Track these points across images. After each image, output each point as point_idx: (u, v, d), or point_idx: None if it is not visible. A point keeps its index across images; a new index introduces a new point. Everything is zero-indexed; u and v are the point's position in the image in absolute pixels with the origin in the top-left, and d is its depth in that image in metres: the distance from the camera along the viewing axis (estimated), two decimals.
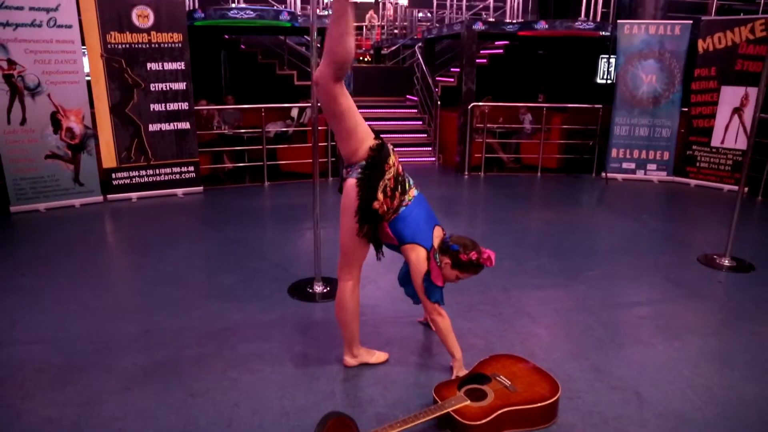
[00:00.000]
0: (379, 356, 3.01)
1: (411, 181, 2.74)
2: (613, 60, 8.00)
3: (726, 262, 4.55)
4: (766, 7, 8.94)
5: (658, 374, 2.93)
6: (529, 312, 3.67)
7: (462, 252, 2.62)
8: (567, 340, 3.33)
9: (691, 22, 7.52)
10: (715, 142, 7.42)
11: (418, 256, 2.67)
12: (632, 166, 8.03)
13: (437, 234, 2.74)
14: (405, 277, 3.06)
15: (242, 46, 10.16)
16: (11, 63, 5.71)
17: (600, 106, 8.09)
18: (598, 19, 8.37)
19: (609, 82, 8.12)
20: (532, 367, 2.75)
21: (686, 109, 7.70)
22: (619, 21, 7.86)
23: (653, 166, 7.95)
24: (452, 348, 2.79)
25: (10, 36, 5.66)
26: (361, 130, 2.56)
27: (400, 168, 2.68)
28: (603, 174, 8.00)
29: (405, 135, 9.79)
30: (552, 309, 3.76)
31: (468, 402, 2.44)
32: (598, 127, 8.14)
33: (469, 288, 3.37)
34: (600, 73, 9.53)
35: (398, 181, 2.62)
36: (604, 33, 8.22)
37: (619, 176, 8.02)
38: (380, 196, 2.56)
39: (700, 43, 7.41)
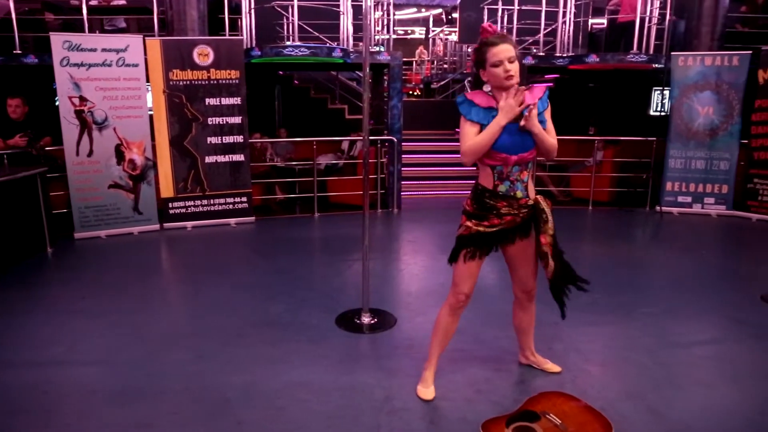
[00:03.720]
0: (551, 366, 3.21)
1: None
2: (666, 92, 7.84)
3: None
4: None
5: (720, 418, 2.78)
6: (581, 349, 3.56)
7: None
8: (621, 379, 3.20)
9: (750, 52, 7.31)
10: None
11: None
12: (689, 199, 7.76)
13: None
14: None
15: (295, 82, 10.51)
16: (83, 100, 6.08)
17: (654, 138, 7.90)
18: (651, 51, 8.25)
19: (662, 114, 7.94)
20: (584, 406, 2.66)
21: (746, 141, 7.43)
22: (672, 53, 7.72)
23: (711, 200, 7.66)
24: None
25: (83, 75, 6.05)
26: None
27: None
28: (658, 208, 7.77)
29: (454, 168, 9.80)
30: (605, 346, 3.63)
31: None
32: (652, 159, 7.94)
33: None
34: (653, 106, 9.34)
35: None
36: (657, 65, 8.08)
37: (675, 210, 7.76)
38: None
39: (760, 73, 7.18)
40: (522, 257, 2.88)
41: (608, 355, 3.51)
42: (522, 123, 2.55)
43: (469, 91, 2.69)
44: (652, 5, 8.29)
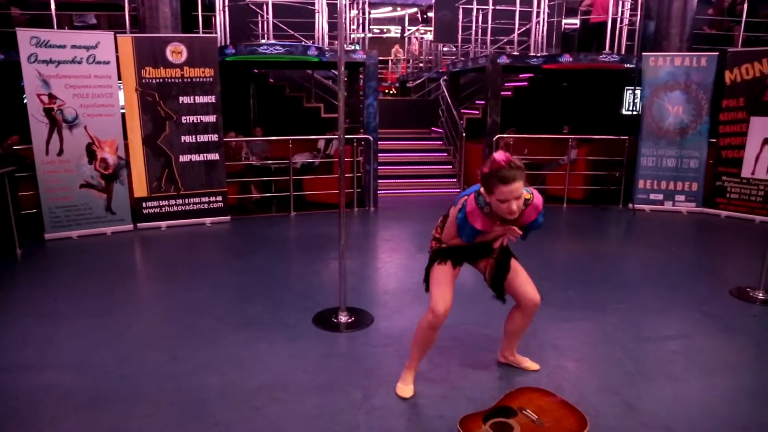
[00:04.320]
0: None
1: None
2: (638, 92, 7.99)
3: (760, 295, 4.43)
4: None
5: (691, 411, 2.84)
6: (557, 344, 3.61)
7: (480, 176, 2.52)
8: (596, 374, 3.26)
9: (717, 54, 7.50)
10: (746, 172, 7.29)
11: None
12: (660, 197, 7.92)
13: None
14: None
15: (271, 80, 10.42)
16: (52, 97, 5.95)
17: (626, 137, 8.04)
18: (623, 51, 8.39)
19: (634, 113, 8.09)
20: (560, 401, 2.69)
21: (714, 140, 7.61)
22: (643, 53, 7.87)
23: (681, 197, 7.83)
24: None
25: (53, 72, 5.92)
26: None
27: None
28: (630, 205, 7.91)
29: (430, 166, 9.85)
30: (580, 342, 3.69)
31: None
32: (625, 158, 8.08)
33: (496, 319, 3.34)
34: (625, 105, 9.51)
35: None
36: (628, 65, 8.22)
37: (647, 207, 7.91)
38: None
39: (727, 74, 7.36)
40: (514, 274, 2.94)
41: (583, 351, 3.56)
42: (494, 246, 2.73)
43: (473, 196, 2.62)
44: (623, 6, 8.44)
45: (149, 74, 6.42)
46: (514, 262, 2.95)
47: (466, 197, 2.65)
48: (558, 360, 3.40)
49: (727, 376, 3.21)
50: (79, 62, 6.05)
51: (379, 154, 8.15)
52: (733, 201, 7.46)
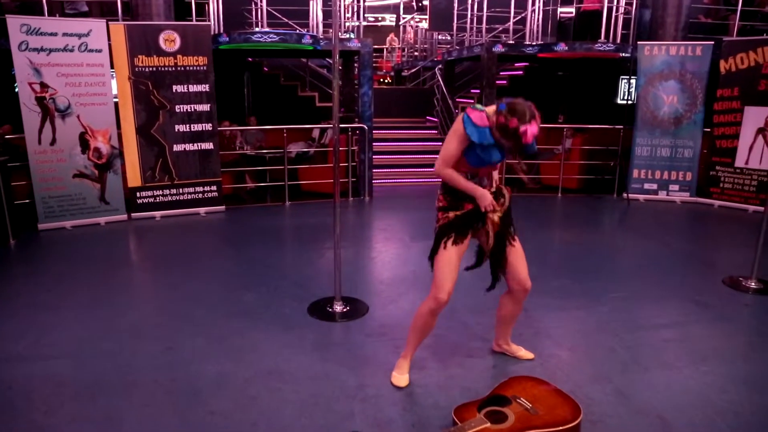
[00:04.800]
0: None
1: None
2: (633, 81, 7.97)
3: (752, 285, 4.46)
4: None
5: (683, 399, 2.87)
6: (551, 333, 3.63)
7: (506, 113, 2.53)
8: (589, 362, 3.28)
9: (712, 43, 7.49)
10: (739, 162, 7.32)
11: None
12: (654, 186, 7.94)
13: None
14: None
15: (265, 69, 10.35)
16: (44, 86, 5.89)
17: (621, 126, 8.04)
18: (618, 40, 8.37)
19: (629, 102, 8.09)
20: (554, 389, 2.71)
21: (709, 130, 7.62)
22: (639, 42, 7.85)
23: (676, 187, 7.86)
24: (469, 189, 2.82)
25: (44, 60, 5.86)
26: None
27: None
28: (625, 195, 7.93)
29: (425, 156, 9.81)
30: (574, 330, 3.71)
31: (488, 424, 2.41)
32: (620, 147, 8.09)
33: (490, 307, 3.35)
34: (620, 94, 9.50)
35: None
36: (624, 54, 8.21)
37: (641, 197, 7.94)
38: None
39: (722, 63, 7.36)
40: (514, 253, 2.94)
41: (577, 339, 3.58)
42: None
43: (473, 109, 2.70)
44: None
45: (142, 63, 6.36)
46: (516, 242, 2.94)
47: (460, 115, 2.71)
48: (552, 349, 3.42)
49: (720, 364, 3.24)
50: (71, 50, 5.99)
51: (374, 144, 8.13)
52: (727, 191, 7.49)
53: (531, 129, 2.51)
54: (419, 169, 9.51)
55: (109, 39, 6.21)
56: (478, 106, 2.71)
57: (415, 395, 2.88)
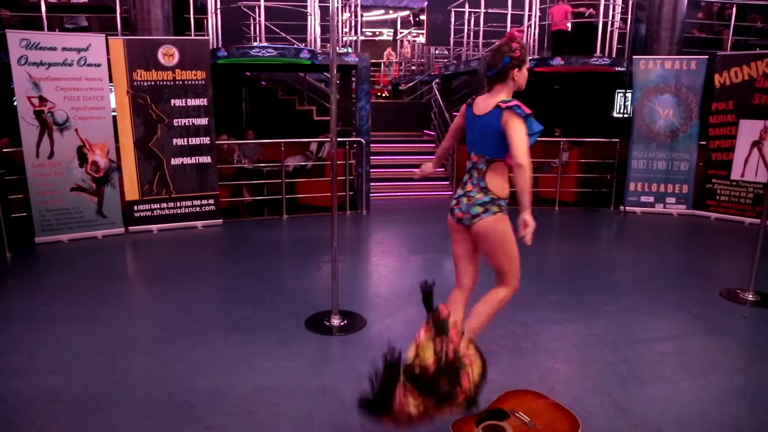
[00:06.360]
0: None
1: None
2: (629, 95, 8.03)
3: (750, 297, 4.46)
4: None
5: (682, 412, 2.86)
6: (548, 347, 3.62)
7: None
8: (587, 376, 3.27)
9: (707, 57, 7.56)
10: (735, 175, 7.36)
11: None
12: (651, 199, 7.97)
13: None
14: None
15: (263, 83, 10.41)
16: (42, 100, 5.91)
17: (617, 140, 8.09)
18: (614, 55, 8.44)
19: (625, 116, 8.14)
20: (552, 403, 2.70)
21: (704, 143, 7.67)
22: (634, 57, 7.92)
23: (672, 200, 7.89)
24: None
25: (43, 75, 5.88)
26: None
27: None
28: (621, 208, 7.95)
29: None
30: (571, 344, 3.70)
31: None
32: (616, 160, 8.13)
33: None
34: (616, 108, 9.56)
35: None
36: (619, 68, 8.28)
37: (638, 210, 7.96)
38: None
39: (716, 77, 7.43)
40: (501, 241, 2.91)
41: (575, 353, 3.57)
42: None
43: (478, 95, 2.89)
44: (614, 10, 8.49)
45: (141, 77, 6.39)
46: (508, 230, 2.89)
47: (509, 111, 2.72)
48: (550, 362, 3.41)
49: (718, 377, 3.23)
50: (70, 64, 6.02)
51: (372, 157, 8.16)
52: (723, 203, 7.52)
53: (517, 30, 2.83)
54: (416, 183, 9.52)
55: (108, 53, 6.25)
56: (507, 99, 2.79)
57: None
